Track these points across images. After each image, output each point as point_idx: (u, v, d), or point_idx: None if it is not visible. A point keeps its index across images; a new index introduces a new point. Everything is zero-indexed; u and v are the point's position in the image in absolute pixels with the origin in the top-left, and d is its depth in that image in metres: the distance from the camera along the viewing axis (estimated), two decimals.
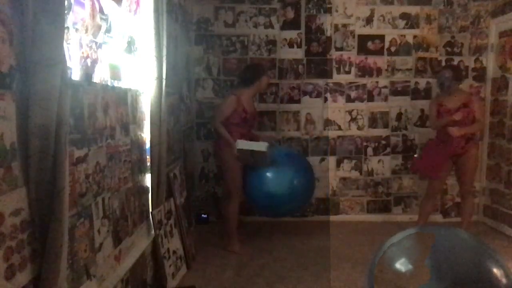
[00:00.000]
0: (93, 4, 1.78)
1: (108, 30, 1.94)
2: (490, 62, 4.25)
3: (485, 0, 4.23)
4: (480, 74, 4.31)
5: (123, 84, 2.19)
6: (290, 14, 4.26)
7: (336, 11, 4.25)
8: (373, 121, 4.38)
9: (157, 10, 2.48)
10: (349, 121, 4.37)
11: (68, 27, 1.52)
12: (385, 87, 4.34)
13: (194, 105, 4.28)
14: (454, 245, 1.75)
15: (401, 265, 1.75)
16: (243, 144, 3.30)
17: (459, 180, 3.70)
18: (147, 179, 2.61)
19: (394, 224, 4.15)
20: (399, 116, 4.38)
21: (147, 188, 2.61)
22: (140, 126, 2.50)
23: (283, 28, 4.26)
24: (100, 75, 1.88)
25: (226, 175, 3.53)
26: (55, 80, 1.24)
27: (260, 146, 3.32)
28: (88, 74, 1.75)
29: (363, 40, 4.29)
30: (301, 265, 3.24)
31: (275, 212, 3.77)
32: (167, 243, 2.78)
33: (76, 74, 1.64)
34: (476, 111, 3.48)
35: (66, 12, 1.33)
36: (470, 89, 4.28)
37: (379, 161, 4.41)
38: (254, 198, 3.59)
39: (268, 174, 3.44)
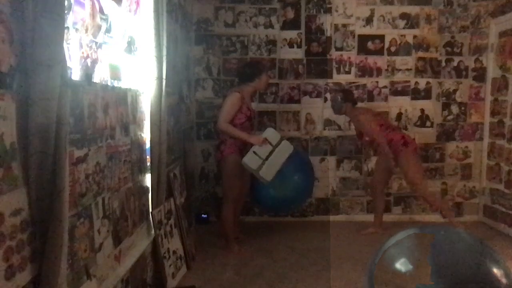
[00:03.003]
0: (93, 4, 1.78)
1: (108, 30, 1.94)
2: (490, 62, 4.24)
3: (485, 0, 4.23)
4: (480, 74, 4.31)
5: (123, 84, 2.19)
6: (290, 14, 4.26)
7: (336, 11, 4.25)
8: None
9: (157, 10, 2.48)
10: (349, 121, 4.37)
11: (68, 27, 1.52)
12: (385, 87, 4.34)
13: (194, 105, 4.28)
14: (454, 245, 1.74)
15: (401, 265, 1.75)
16: (249, 159, 3.20)
17: None
18: (147, 179, 2.61)
19: (394, 224, 4.15)
20: (399, 116, 4.37)
21: (147, 188, 2.61)
22: (140, 126, 2.50)
23: (283, 28, 4.26)
24: (100, 75, 1.88)
25: (225, 182, 3.44)
26: (55, 80, 1.24)
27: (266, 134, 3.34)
28: (88, 74, 1.75)
29: (363, 40, 4.28)
30: (301, 265, 3.23)
31: (282, 210, 3.96)
32: (167, 243, 2.78)
33: (76, 74, 1.64)
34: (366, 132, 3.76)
35: (66, 12, 1.33)
36: (470, 89, 4.29)
37: None
38: (262, 202, 3.80)
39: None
